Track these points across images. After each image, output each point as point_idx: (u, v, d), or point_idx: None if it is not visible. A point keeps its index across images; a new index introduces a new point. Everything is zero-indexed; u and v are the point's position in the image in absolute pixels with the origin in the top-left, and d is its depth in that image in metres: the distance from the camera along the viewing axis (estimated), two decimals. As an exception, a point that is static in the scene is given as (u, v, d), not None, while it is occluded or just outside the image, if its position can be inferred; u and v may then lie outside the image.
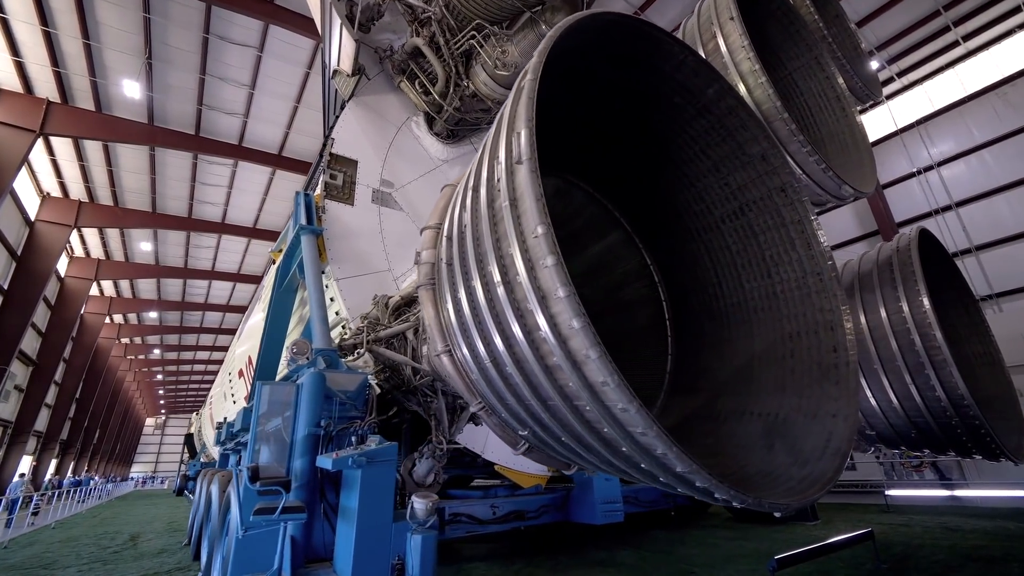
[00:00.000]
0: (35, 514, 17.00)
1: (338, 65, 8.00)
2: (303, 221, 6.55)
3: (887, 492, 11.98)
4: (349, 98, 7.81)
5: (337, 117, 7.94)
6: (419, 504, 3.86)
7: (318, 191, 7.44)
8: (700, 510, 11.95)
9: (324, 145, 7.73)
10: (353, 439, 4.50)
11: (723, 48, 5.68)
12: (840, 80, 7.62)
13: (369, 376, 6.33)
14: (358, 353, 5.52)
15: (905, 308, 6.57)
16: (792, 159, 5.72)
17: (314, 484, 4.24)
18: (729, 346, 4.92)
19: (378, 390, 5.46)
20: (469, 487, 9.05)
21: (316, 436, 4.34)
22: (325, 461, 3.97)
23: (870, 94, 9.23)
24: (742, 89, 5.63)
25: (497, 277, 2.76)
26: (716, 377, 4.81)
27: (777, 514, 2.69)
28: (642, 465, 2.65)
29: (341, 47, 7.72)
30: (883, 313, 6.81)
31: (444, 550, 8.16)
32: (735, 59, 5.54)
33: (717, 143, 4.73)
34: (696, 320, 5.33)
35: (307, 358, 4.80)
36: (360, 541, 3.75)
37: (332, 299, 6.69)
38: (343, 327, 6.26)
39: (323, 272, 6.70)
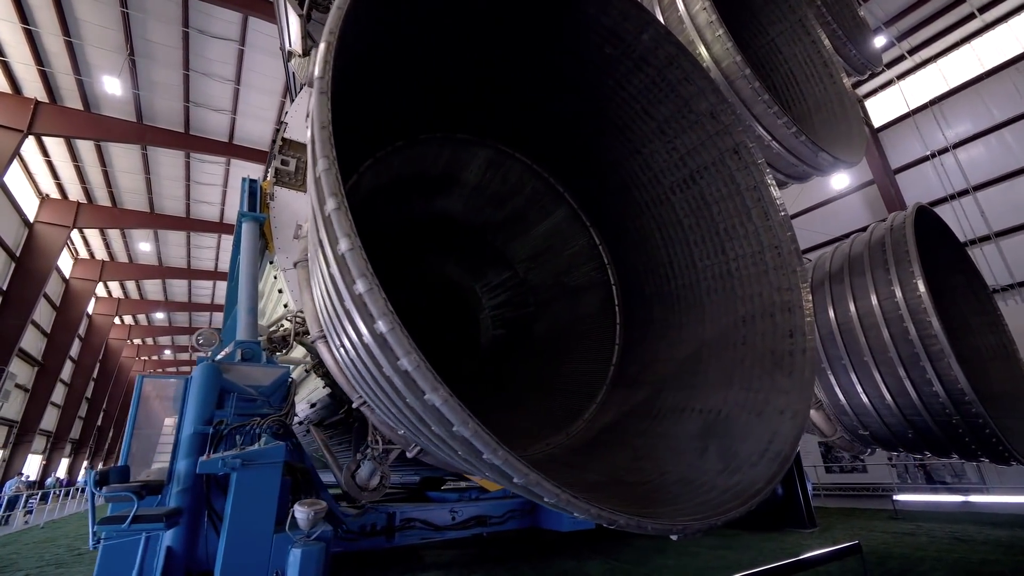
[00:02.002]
0: (29, 512, 17.06)
1: (290, 46, 7.58)
2: (245, 208, 6.17)
3: (895, 497, 11.10)
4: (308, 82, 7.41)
5: (292, 101, 7.53)
6: (300, 513, 3.37)
7: (268, 177, 7.04)
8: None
9: (276, 130, 7.32)
10: (251, 438, 4.03)
11: (679, 1, 5.07)
12: (827, 42, 6.92)
13: (305, 370, 5.86)
14: (296, 346, 5.07)
15: (898, 293, 5.85)
16: (760, 125, 5.09)
17: (198, 489, 3.80)
18: (678, 333, 4.33)
19: (326, 389, 5.03)
20: (441, 490, 8.57)
21: (204, 435, 3.89)
22: (202, 463, 3.50)
23: (869, 65, 8.47)
24: (701, 49, 5.01)
25: (327, 248, 2.23)
26: (662, 369, 4.23)
27: (674, 537, 2.12)
28: (486, 472, 2.10)
29: (290, 26, 7.31)
30: (874, 299, 6.10)
31: (397, 558, 7.67)
32: (691, 11, 4.93)
33: (660, 100, 4.15)
34: (647, 305, 4.75)
35: (208, 350, 4.37)
36: (230, 553, 3.28)
37: (280, 290, 6.28)
38: (291, 320, 5.82)
39: (271, 262, 6.30)
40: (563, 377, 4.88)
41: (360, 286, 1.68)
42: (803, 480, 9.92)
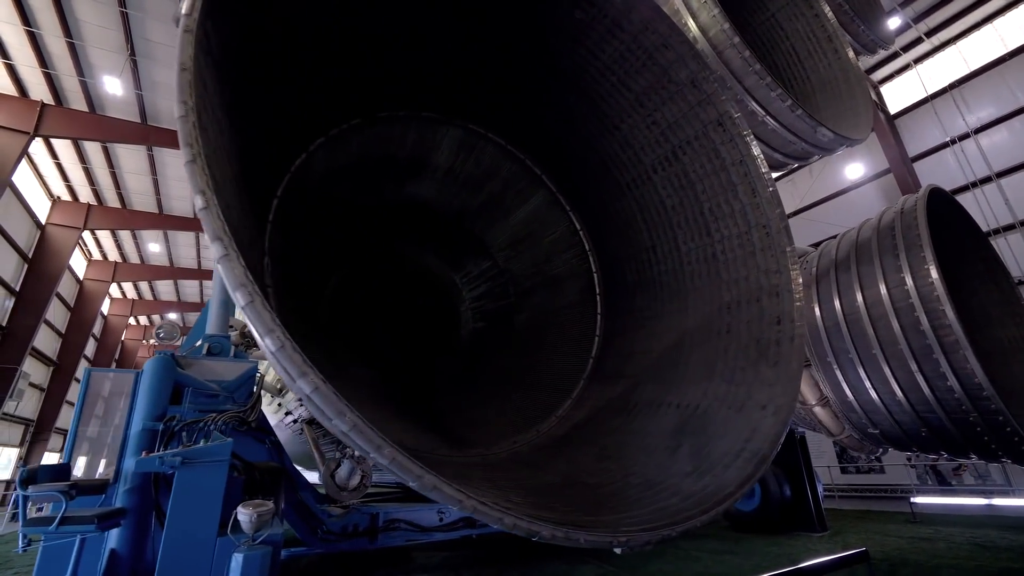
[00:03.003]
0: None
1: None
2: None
3: (913, 500, 10.55)
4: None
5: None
6: (243, 515, 3.13)
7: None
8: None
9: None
10: (204, 435, 3.82)
11: (663, -32, 4.73)
12: (831, 15, 6.49)
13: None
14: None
15: (908, 280, 5.42)
16: (753, 99, 4.73)
17: (145, 488, 3.60)
18: (660, 323, 4.01)
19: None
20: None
21: (154, 432, 3.69)
22: (139, 462, 3.29)
23: (879, 43, 8.00)
24: (688, 20, 4.67)
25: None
26: (641, 361, 3.91)
27: (617, 550, 1.82)
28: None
29: None
30: (882, 288, 5.68)
31: (384, 559, 7.45)
32: (675, -22, 4.59)
33: (637, 70, 3.83)
34: (629, 294, 4.43)
35: (174, 343, 4.17)
36: (168, 558, 3.06)
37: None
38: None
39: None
40: (542, 371, 4.59)
41: (240, 297, 1.41)
42: (813, 481, 9.45)
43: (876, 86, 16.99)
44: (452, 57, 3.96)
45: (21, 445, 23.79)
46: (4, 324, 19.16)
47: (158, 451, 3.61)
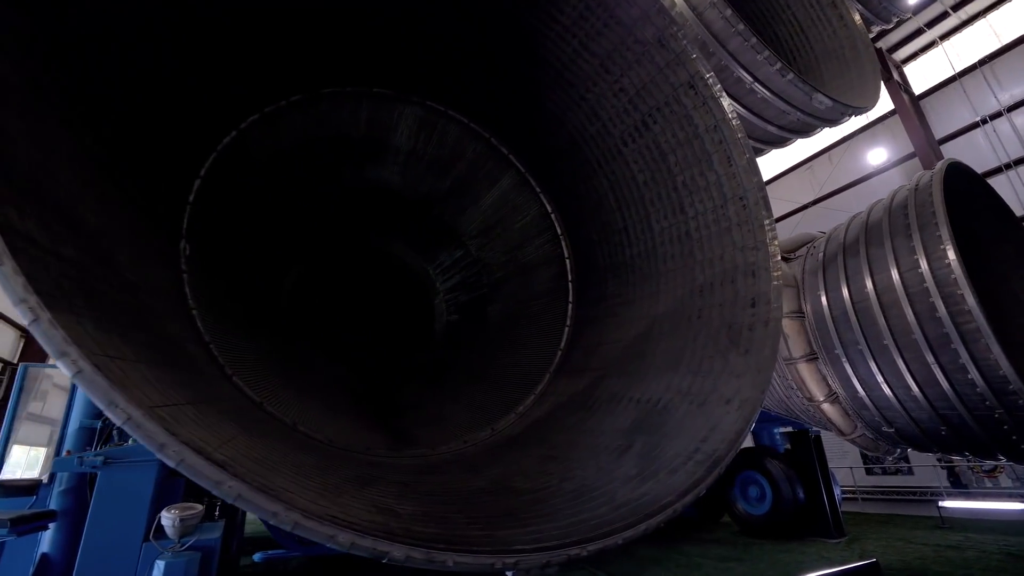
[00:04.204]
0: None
1: None
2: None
3: (942, 504, 9.85)
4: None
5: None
6: (167, 519, 2.91)
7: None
8: (709, 520, 10.39)
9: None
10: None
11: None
12: (834, -22, 5.99)
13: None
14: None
15: (922, 263, 4.91)
16: (739, 64, 4.30)
17: (80, 489, 3.42)
18: (631, 310, 3.65)
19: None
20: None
21: (92, 430, 3.51)
22: (56, 462, 3.10)
23: (893, 11, 7.42)
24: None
25: None
26: (608, 352, 3.56)
27: (509, 574, 1.50)
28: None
29: None
30: (894, 272, 5.17)
31: (361, 562, 7.23)
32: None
33: (599, 31, 3.48)
34: (601, 280, 4.08)
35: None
36: (85, 565, 2.85)
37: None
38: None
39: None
40: (510, 365, 4.27)
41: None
42: (829, 482, 8.88)
43: (899, 65, 16.10)
44: (401, 25, 3.67)
45: (48, 444, 24.58)
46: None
47: (96, 450, 3.43)
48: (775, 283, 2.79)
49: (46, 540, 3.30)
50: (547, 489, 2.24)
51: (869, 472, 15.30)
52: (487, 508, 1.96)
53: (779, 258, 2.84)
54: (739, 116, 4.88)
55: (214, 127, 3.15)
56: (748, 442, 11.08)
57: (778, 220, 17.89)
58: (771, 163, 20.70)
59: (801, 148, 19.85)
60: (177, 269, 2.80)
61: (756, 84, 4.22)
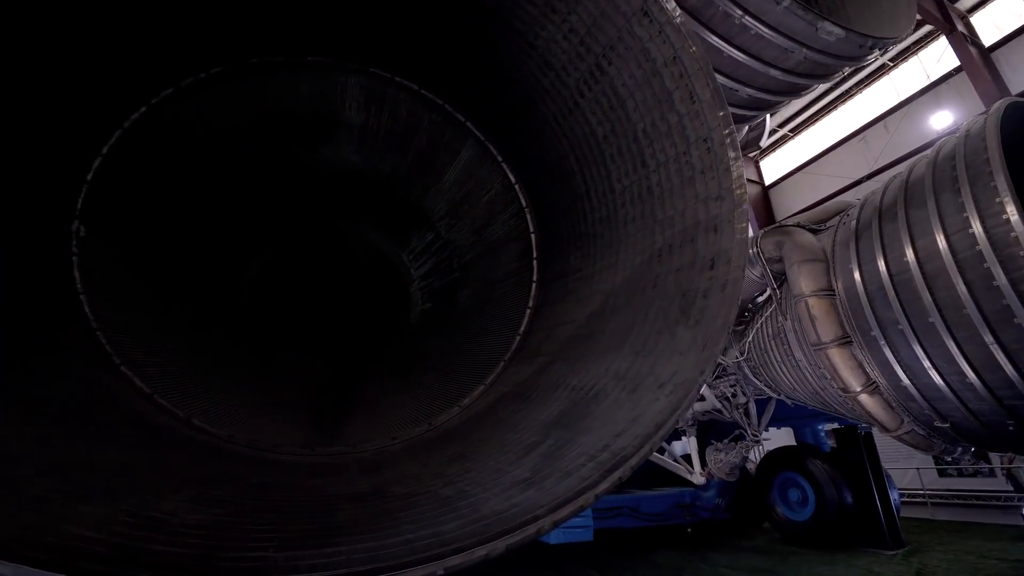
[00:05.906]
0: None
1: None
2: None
3: (1027, 511, 8.48)
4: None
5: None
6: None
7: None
8: (749, 525, 9.51)
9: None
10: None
11: None
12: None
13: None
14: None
15: (975, 224, 4.05)
16: (726, -3, 3.66)
17: None
18: (589, 285, 3.18)
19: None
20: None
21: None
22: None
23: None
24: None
25: None
26: (562, 334, 3.10)
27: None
28: None
29: None
30: (939, 236, 4.32)
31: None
32: None
33: (538, -39, 3.02)
34: (564, 254, 3.62)
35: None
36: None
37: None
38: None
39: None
40: (468, 352, 3.88)
41: None
42: (884, 485, 7.83)
43: (964, 16, 14.26)
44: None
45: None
46: None
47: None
48: (739, 236, 2.22)
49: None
50: (422, 495, 1.82)
51: (942, 474, 13.63)
52: (321, 519, 1.58)
53: (745, 207, 2.27)
54: (734, 61, 4.23)
55: (118, 102, 2.94)
56: (790, 440, 10.05)
57: (827, 198, 16.33)
58: (817, 137, 19.00)
59: (852, 117, 18.08)
60: (70, 254, 2.61)
61: (747, 18, 3.56)
